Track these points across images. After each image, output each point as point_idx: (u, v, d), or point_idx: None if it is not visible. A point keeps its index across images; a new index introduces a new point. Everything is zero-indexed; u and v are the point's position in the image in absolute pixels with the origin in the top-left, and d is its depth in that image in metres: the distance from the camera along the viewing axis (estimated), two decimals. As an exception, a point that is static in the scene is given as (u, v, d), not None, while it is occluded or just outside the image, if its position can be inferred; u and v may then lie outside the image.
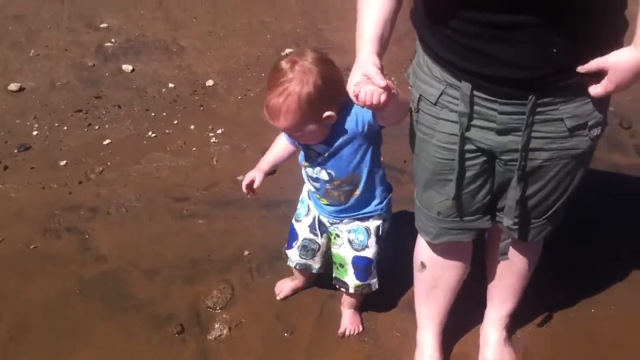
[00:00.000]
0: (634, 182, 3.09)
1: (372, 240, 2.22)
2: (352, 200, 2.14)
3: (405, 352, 2.30)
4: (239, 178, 3.10)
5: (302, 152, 2.12)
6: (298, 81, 1.79)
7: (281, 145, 2.25)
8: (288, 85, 1.79)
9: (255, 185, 2.22)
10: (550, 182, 1.74)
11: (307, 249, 2.35)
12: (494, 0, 1.41)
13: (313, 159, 2.07)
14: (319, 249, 2.34)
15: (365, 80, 1.52)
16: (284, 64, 1.82)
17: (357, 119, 1.92)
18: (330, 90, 1.83)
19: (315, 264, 2.39)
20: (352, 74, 1.69)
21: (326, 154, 2.01)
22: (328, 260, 2.39)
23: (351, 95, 1.57)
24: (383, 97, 1.50)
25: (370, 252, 2.23)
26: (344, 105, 1.90)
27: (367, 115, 1.87)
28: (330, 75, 1.84)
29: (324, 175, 2.08)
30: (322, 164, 2.05)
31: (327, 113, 1.86)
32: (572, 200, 1.84)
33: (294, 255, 2.38)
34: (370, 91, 1.49)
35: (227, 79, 4.24)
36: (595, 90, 1.52)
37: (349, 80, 1.69)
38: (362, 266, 2.24)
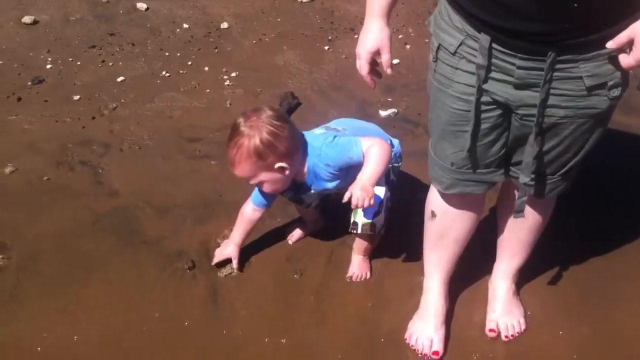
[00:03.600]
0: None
1: (382, 180, 2.26)
2: None
3: (411, 299, 2.33)
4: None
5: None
6: (246, 135, 2.05)
7: (246, 218, 2.43)
8: (239, 139, 2.06)
9: (235, 266, 2.46)
10: (566, 139, 1.72)
11: None
12: None
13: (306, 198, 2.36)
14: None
15: (370, 64, 1.82)
16: (239, 120, 2.09)
17: (330, 164, 2.16)
18: (279, 145, 2.07)
19: (307, 199, 2.40)
20: (365, 39, 1.79)
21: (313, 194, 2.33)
22: (323, 201, 2.43)
23: (359, 68, 1.82)
24: (372, 202, 2.00)
25: (378, 191, 2.25)
26: (304, 153, 2.17)
27: (336, 160, 2.15)
28: (278, 131, 2.07)
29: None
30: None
31: (278, 164, 2.10)
32: (587, 159, 1.83)
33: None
34: (362, 198, 1.97)
35: (242, 22, 4.20)
36: (626, 61, 1.46)
37: (361, 44, 1.81)
38: None
